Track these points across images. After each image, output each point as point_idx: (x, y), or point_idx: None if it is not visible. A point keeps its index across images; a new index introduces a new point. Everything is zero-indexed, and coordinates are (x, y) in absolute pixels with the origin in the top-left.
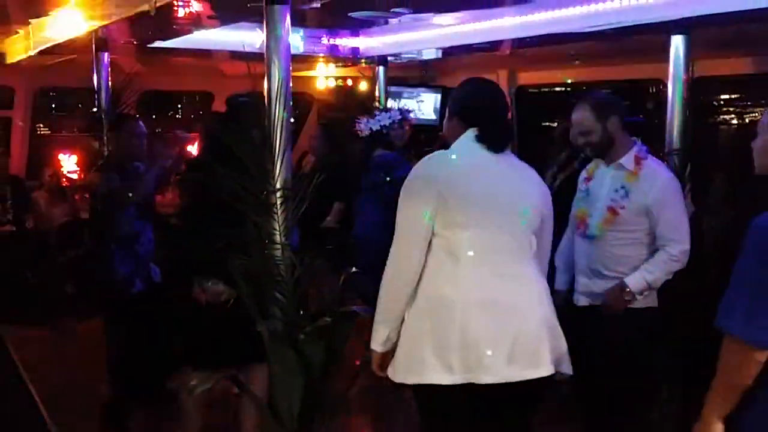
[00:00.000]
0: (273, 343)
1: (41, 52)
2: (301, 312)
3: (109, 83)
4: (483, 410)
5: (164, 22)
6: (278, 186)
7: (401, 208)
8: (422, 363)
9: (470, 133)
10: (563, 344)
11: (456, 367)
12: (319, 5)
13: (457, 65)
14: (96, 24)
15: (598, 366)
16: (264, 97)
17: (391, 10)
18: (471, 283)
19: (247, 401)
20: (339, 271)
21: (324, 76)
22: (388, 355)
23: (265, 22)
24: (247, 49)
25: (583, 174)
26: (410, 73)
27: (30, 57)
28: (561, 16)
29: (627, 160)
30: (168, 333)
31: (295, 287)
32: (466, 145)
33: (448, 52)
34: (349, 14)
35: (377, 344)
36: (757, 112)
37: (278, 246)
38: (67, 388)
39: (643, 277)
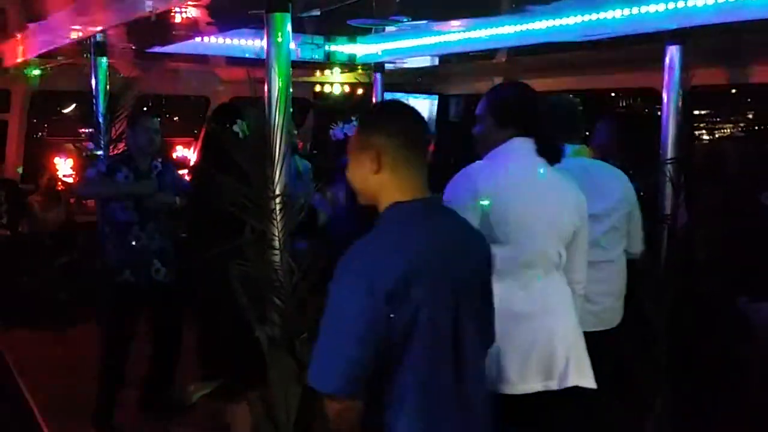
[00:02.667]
0: (271, 350)
1: (39, 56)
2: (300, 317)
3: (107, 87)
4: None
5: (163, 28)
6: (277, 192)
7: None
8: None
9: (527, 144)
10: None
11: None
12: (318, 13)
13: (454, 72)
14: (94, 29)
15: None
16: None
17: (389, 17)
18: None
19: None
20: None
21: (320, 82)
22: None
23: (266, 29)
24: (245, 55)
25: None
26: (408, 80)
27: (27, 60)
28: (557, 25)
29: None
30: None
31: (293, 292)
32: (523, 156)
33: (445, 59)
34: (348, 22)
35: None
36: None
37: (277, 251)
38: (62, 394)
39: None
